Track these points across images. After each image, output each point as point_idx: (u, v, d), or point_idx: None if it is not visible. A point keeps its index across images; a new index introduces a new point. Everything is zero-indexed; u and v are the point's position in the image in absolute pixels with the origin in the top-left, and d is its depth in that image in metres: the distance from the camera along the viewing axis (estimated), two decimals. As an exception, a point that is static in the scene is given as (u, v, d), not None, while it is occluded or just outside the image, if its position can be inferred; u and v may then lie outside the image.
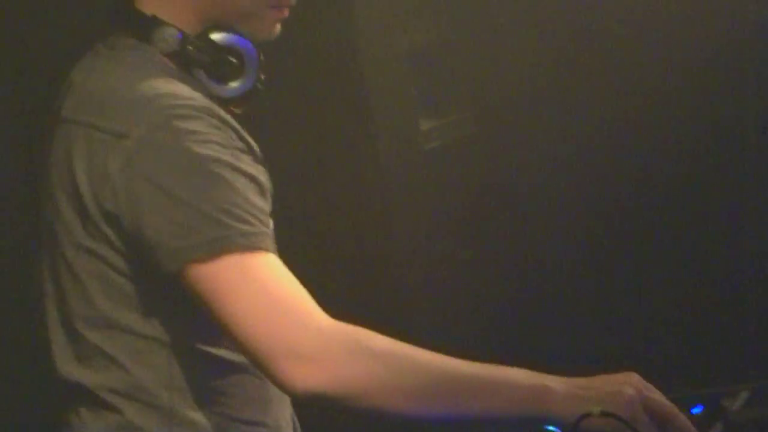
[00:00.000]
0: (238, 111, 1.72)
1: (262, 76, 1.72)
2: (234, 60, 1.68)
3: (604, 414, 1.42)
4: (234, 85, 1.69)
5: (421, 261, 2.79)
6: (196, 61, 1.66)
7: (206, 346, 1.62)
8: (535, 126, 3.03)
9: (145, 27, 1.66)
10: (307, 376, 1.47)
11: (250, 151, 1.62)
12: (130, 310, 1.59)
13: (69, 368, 1.63)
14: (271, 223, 1.58)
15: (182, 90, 1.60)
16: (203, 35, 1.67)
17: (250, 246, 1.50)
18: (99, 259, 1.58)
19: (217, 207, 1.50)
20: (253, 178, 1.56)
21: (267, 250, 1.52)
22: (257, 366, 1.52)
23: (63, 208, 1.60)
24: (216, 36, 1.68)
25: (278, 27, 1.73)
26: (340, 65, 2.64)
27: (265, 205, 1.57)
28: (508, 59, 2.98)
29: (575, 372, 1.52)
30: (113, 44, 1.68)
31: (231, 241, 1.50)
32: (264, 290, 1.50)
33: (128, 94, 1.58)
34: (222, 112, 1.61)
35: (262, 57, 1.71)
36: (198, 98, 1.60)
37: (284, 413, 1.71)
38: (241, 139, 1.62)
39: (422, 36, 2.82)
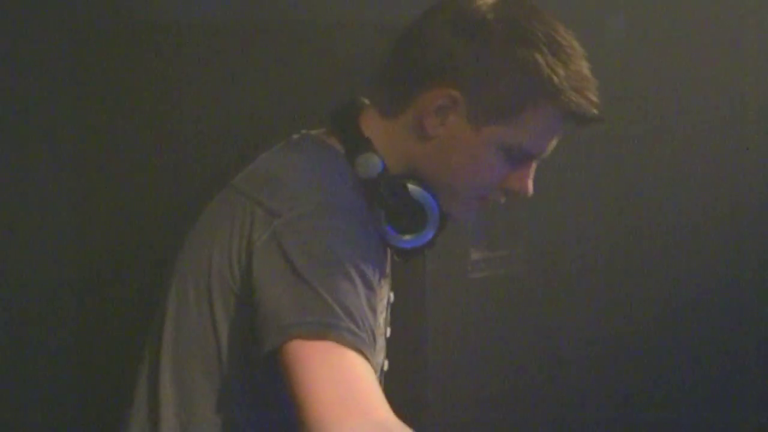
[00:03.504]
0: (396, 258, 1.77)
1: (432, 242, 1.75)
2: (417, 217, 1.71)
3: None
4: (405, 237, 1.72)
5: (452, 386, 2.81)
6: (383, 199, 1.69)
7: None
8: (578, 271, 3.08)
9: (356, 145, 1.70)
10: None
11: (381, 265, 1.66)
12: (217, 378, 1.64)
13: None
14: (375, 338, 1.60)
15: (345, 194, 1.64)
16: (401, 179, 1.70)
17: (352, 343, 1.52)
18: (212, 316, 1.64)
19: (337, 299, 1.53)
20: (373, 292, 1.59)
21: (363, 353, 1.53)
22: None
23: (207, 258, 1.65)
24: (413, 187, 1.70)
25: (475, 214, 1.78)
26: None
27: (373, 321, 1.59)
28: (565, 203, 3.04)
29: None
30: (312, 138, 1.74)
31: (339, 331, 1.51)
32: (349, 386, 1.50)
33: (296, 182, 1.63)
34: (370, 221, 1.65)
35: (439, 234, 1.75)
36: (357, 204, 1.64)
37: None
38: (379, 250, 1.66)
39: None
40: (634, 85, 2.98)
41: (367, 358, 1.53)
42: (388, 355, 1.88)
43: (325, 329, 1.51)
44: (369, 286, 1.58)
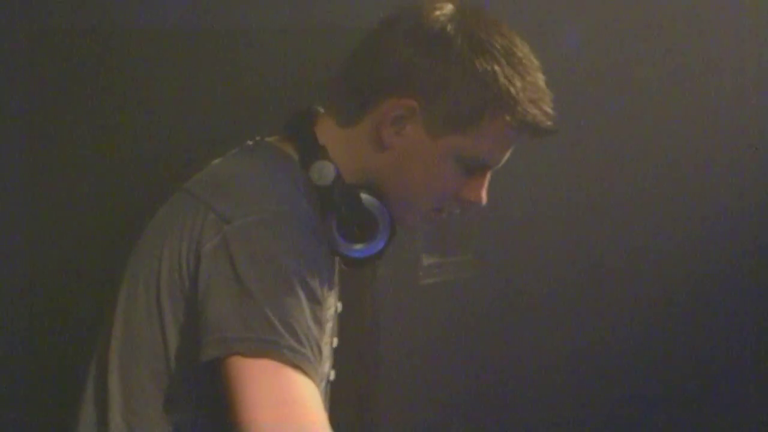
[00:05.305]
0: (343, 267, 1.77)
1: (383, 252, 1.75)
2: (368, 227, 1.71)
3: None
4: (356, 247, 1.72)
5: (403, 391, 2.81)
6: (335, 207, 1.68)
7: None
8: (529, 277, 3.09)
9: (311, 152, 1.69)
10: None
11: (329, 276, 1.65)
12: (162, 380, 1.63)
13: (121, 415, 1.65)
14: (321, 351, 1.60)
15: (298, 202, 1.62)
16: (355, 188, 1.70)
17: (292, 361, 1.52)
18: (161, 319, 1.63)
19: (279, 315, 1.53)
20: (319, 306, 1.59)
21: (305, 371, 1.54)
22: None
23: (157, 260, 1.64)
24: (366, 197, 1.70)
25: (429, 223, 1.79)
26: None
27: (319, 334, 1.59)
28: (516, 209, 3.05)
29: None
30: (267, 144, 1.73)
31: (279, 349, 1.52)
32: (285, 407, 1.52)
33: (249, 188, 1.62)
34: (321, 230, 1.65)
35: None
36: (309, 213, 1.63)
37: None
38: (328, 261, 1.66)
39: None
40: (587, 92, 3.01)
41: (308, 375, 1.54)
42: (338, 364, 1.88)
43: (266, 347, 1.52)
44: (314, 300, 1.58)
